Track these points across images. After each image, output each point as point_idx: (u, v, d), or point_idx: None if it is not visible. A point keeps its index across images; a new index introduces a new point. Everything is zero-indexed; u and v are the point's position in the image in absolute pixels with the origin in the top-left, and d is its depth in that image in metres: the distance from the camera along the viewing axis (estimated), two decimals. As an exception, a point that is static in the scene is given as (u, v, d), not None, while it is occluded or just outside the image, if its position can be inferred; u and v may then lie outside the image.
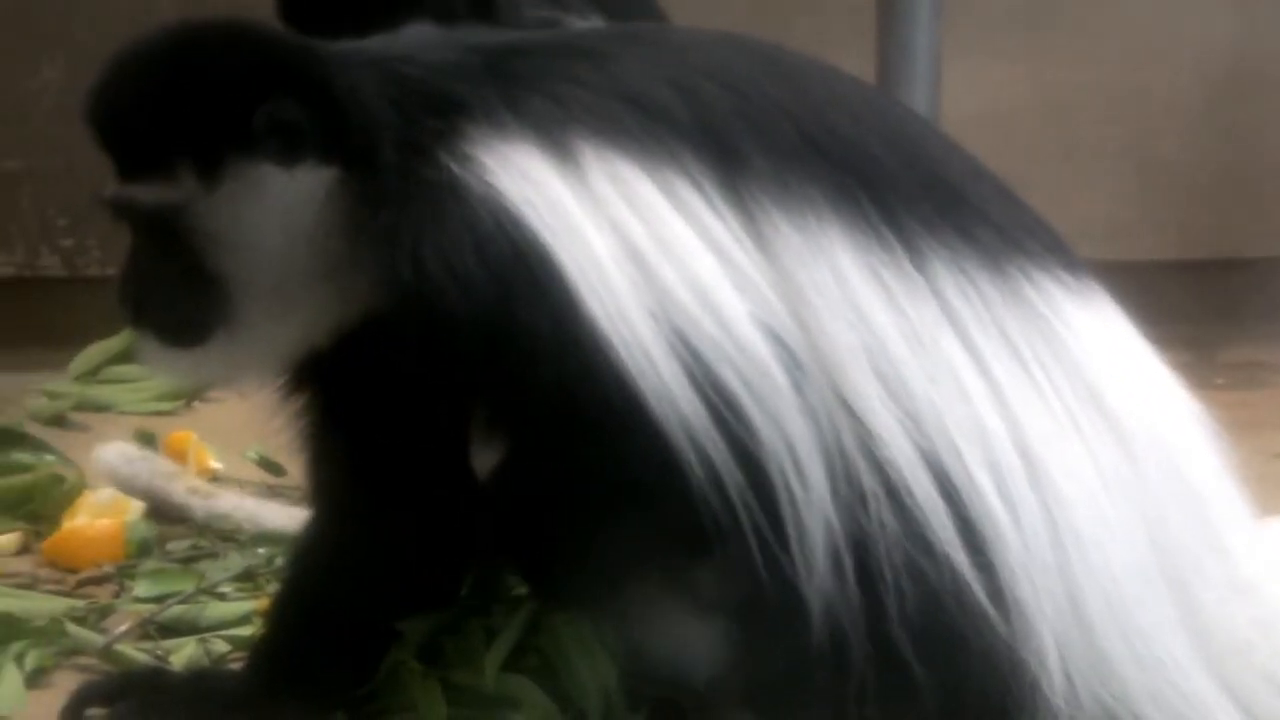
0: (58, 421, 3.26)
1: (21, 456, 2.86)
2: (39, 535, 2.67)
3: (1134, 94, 4.28)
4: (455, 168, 1.85)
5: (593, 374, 1.79)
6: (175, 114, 1.92)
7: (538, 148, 1.86)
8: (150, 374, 3.33)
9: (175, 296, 1.96)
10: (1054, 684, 1.76)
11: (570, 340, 1.80)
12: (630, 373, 1.79)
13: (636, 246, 1.82)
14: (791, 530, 1.77)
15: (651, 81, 1.90)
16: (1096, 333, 1.90)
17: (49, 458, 2.90)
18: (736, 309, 1.80)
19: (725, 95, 1.89)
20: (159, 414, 3.28)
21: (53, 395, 3.36)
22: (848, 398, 1.79)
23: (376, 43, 2.03)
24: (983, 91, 4.16)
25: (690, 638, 1.96)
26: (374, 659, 2.08)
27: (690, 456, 1.78)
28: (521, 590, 2.16)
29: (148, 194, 1.94)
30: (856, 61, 3.64)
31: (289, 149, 1.92)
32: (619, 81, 1.90)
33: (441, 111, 1.90)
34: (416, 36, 2.04)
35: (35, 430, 3.09)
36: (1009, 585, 1.77)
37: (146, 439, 2.97)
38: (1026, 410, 1.82)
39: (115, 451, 2.84)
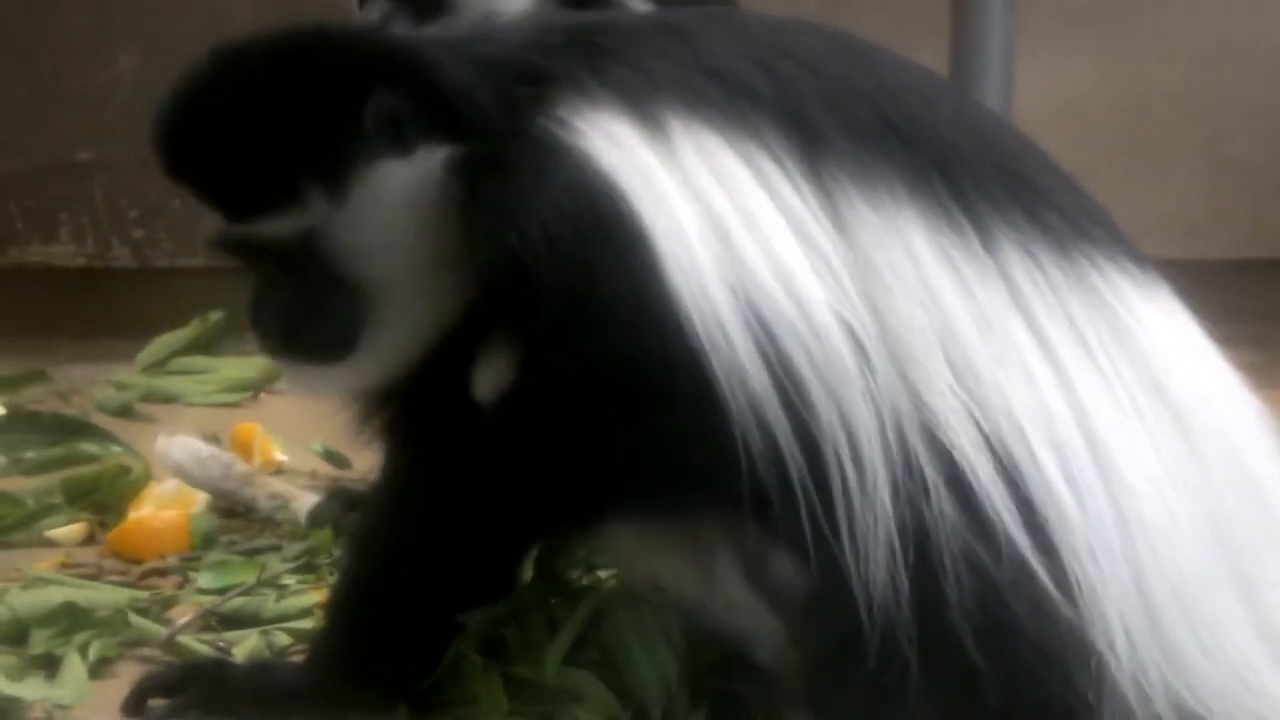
0: (125, 412, 3.28)
1: (88, 447, 2.87)
2: (104, 526, 2.68)
3: (1207, 91, 4.25)
4: (553, 130, 1.83)
5: (668, 345, 1.78)
6: (288, 139, 1.88)
7: (626, 116, 1.84)
8: (218, 365, 3.38)
9: (318, 315, 1.93)
10: (1122, 669, 1.75)
11: (650, 309, 1.78)
12: (704, 347, 1.77)
13: (721, 220, 1.80)
14: (843, 517, 1.76)
15: (734, 57, 1.88)
16: (1161, 325, 1.88)
17: (115, 449, 2.91)
18: (812, 290, 1.78)
19: (805, 74, 1.88)
20: (225, 405, 3.30)
21: (120, 386, 3.38)
22: (915, 382, 1.78)
23: (449, 30, 2.02)
24: (1055, 87, 4.14)
25: (747, 623, 1.95)
26: (436, 651, 2.07)
27: (754, 436, 1.76)
28: (583, 582, 2.16)
29: (275, 227, 1.90)
30: (930, 57, 3.62)
31: (402, 139, 1.90)
32: (702, 56, 1.88)
33: (531, 81, 1.88)
34: (490, 21, 2.03)
35: (102, 421, 3.11)
36: (1073, 568, 1.75)
37: (212, 439, 2.98)
38: (1092, 396, 1.80)
39: (181, 448, 2.83)
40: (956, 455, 1.76)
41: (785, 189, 1.81)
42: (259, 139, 1.88)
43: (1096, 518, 1.77)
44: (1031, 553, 1.75)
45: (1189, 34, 4.27)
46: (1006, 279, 1.82)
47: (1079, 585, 1.75)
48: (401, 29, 2.75)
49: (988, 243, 1.83)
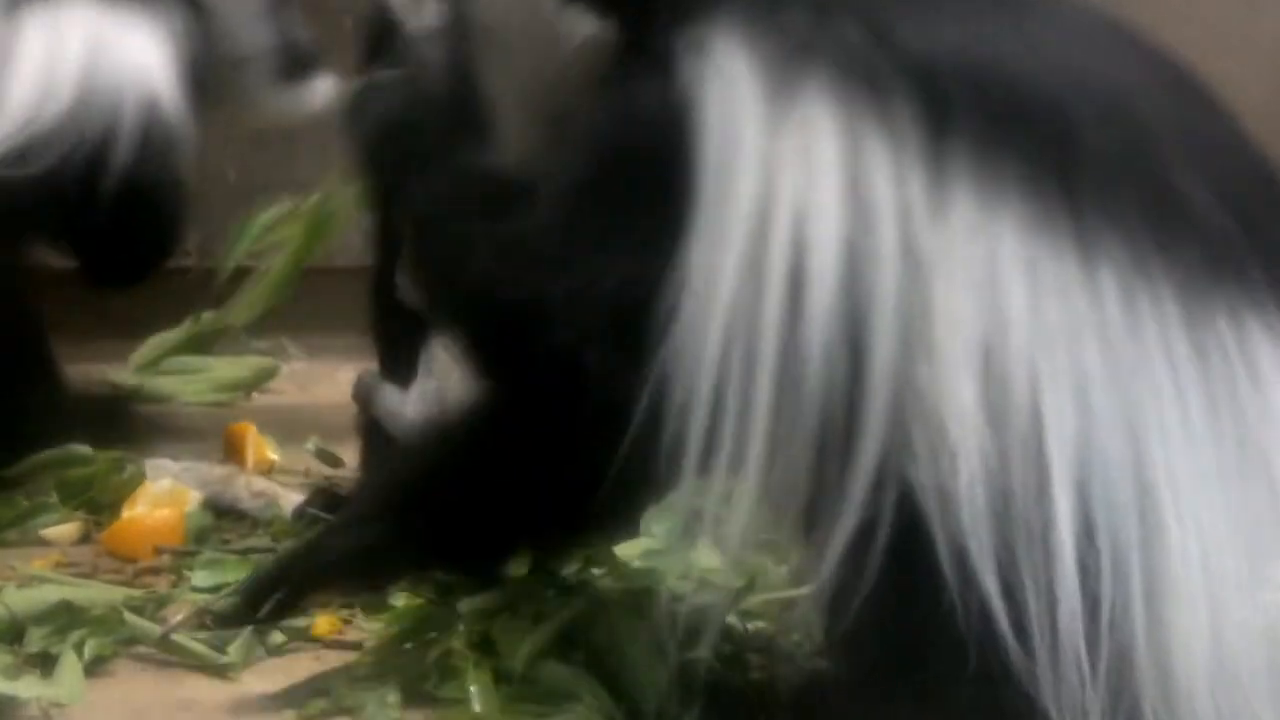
0: (120, 412, 3.29)
1: (80, 448, 2.86)
2: (99, 525, 2.69)
3: (1201, 87, 4.25)
4: (683, 55, 1.83)
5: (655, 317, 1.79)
6: None
7: (761, 66, 1.81)
8: (212, 365, 3.38)
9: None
10: None
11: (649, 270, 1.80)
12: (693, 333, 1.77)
13: (778, 203, 1.77)
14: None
15: (914, 23, 1.81)
16: None
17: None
18: (824, 296, 1.74)
19: (948, 54, 1.79)
20: (218, 405, 3.30)
21: (114, 386, 3.38)
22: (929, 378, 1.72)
23: None
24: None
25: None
26: (503, 547, 2.18)
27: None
28: (578, 578, 2.17)
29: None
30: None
31: None
32: (875, 14, 1.82)
33: None
34: None
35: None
36: (1064, 642, 1.68)
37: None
38: (1161, 445, 1.69)
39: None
40: (942, 479, 1.70)
41: (881, 175, 1.75)
42: None
43: (1119, 580, 1.67)
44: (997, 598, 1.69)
45: (1186, 28, 4.26)
46: (1097, 299, 1.71)
47: (1066, 662, 1.68)
48: None
49: (1088, 259, 1.72)
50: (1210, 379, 1.70)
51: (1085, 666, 1.67)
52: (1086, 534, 1.67)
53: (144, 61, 2.78)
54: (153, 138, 2.77)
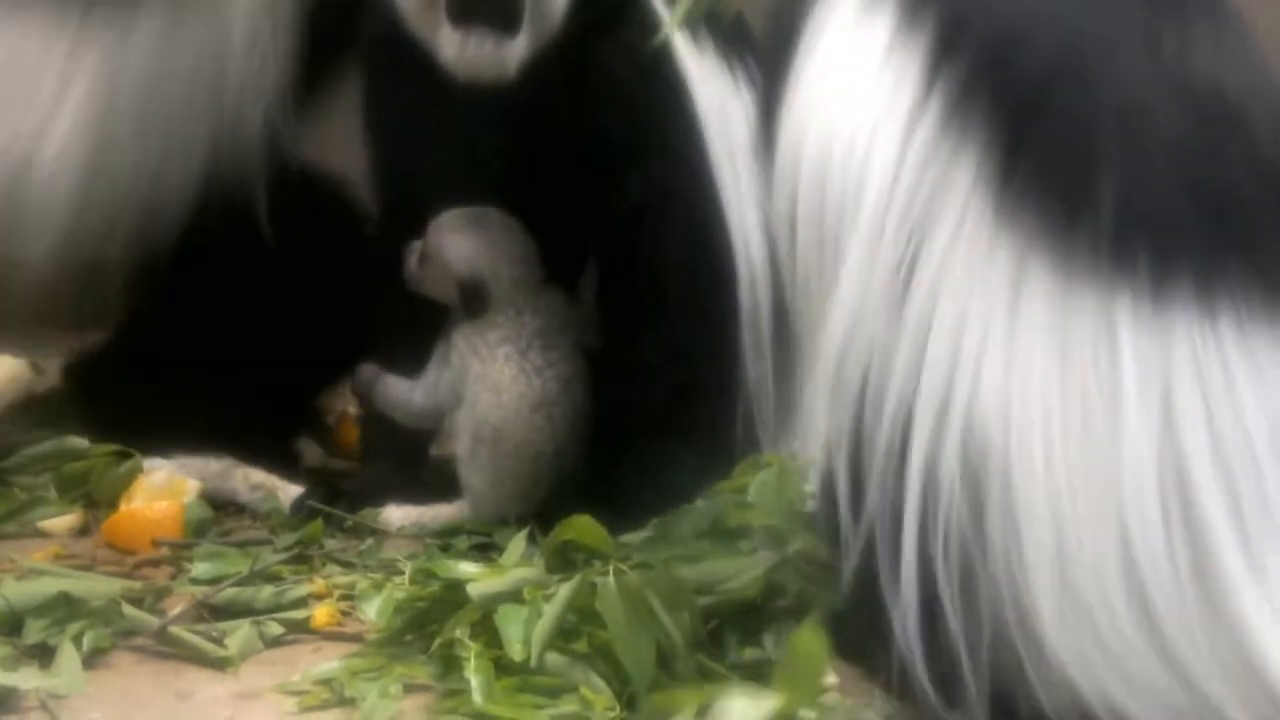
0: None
1: (77, 441, 2.85)
2: (97, 517, 2.68)
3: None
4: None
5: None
6: None
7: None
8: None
9: None
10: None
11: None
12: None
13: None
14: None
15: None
16: None
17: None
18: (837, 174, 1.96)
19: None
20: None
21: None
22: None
23: None
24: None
25: None
26: None
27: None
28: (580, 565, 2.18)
29: None
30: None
31: None
32: None
33: None
34: None
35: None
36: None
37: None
38: (1019, 385, 1.80)
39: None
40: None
41: (902, 80, 1.92)
42: None
43: (968, 496, 1.82)
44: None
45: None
46: (998, 264, 1.83)
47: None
48: None
49: (1005, 223, 1.84)
50: (1073, 341, 1.79)
51: (934, 567, 1.82)
52: (938, 442, 1.82)
53: None
54: None
